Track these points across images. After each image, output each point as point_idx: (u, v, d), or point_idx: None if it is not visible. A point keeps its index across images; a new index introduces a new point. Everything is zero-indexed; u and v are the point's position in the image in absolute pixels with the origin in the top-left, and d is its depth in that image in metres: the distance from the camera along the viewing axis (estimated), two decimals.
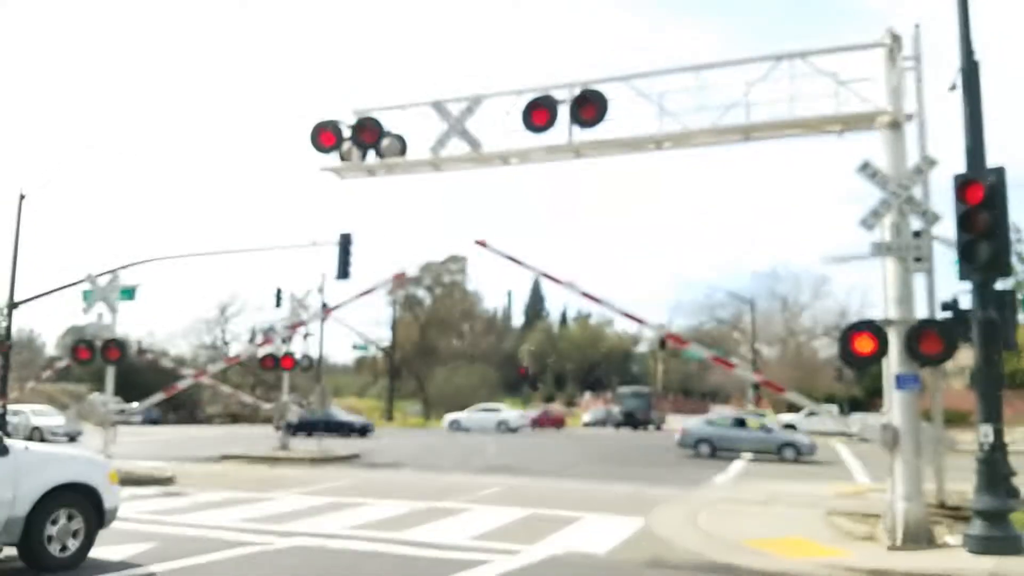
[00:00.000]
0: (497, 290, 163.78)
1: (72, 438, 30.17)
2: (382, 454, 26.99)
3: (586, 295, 12.45)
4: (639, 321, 12.46)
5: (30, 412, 34.07)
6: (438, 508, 13.40)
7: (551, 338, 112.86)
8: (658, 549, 10.09)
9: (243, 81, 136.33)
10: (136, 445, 29.73)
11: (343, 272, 30.06)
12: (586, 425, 58.93)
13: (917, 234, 10.47)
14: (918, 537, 9.85)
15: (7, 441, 8.13)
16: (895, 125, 10.58)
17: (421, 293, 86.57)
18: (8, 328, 29.45)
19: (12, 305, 29.28)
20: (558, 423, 56.46)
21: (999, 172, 9.69)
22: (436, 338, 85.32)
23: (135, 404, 18.74)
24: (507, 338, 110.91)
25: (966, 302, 10.70)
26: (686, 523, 12.15)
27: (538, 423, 54.94)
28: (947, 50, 11.28)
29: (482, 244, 12.91)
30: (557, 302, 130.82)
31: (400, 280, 17.02)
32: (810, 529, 11.57)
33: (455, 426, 48.15)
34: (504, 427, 46.45)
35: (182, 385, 21.64)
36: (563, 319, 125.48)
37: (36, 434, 31.22)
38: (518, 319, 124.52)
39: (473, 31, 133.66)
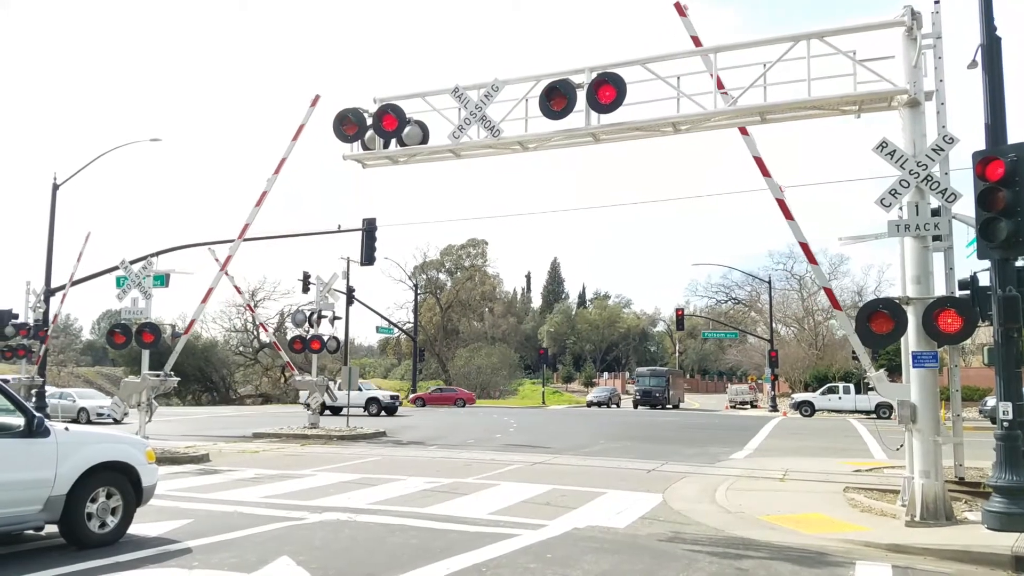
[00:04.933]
0: (516, 272, 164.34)
1: (117, 420, 30.61)
2: (407, 432, 27.38)
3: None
4: (767, 172, 11.26)
5: (76, 394, 35.22)
6: (462, 484, 13.69)
7: (569, 319, 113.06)
8: (676, 524, 10.28)
9: (268, 72, 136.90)
10: (172, 425, 30.46)
11: (368, 257, 30.40)
12: (589, 405, 58.86)
13: (936, 212, 10.49)
14: (937, 513, 9.92)
15: (48, 422, 8.37)
16: (914, 104, 10.55)
17: (442, 277, 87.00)
18: (45, 313, 30.11)
19: (49, 292, 29.96)
20: (451, 401, 53.54)
21: (1020, 148, 9.57)
22: (457, 320, 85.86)
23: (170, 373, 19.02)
24: (526, 319, 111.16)
25: (985, 280, 10.71)
26: (704, 499, 12.33)
27: (423, 401, 52.99)
28: (966, 27, 11.23)
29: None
30: (575, 283, 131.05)
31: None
32: (828, 505, 11.70)
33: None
34: None
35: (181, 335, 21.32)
36: (581, 300, 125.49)
37: (82, 415, 31.99)
38: (537, 301, 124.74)
39: (492, 17, 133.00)
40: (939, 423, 10.36)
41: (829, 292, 12.26)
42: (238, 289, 29.85)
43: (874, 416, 38.36)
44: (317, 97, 17.94)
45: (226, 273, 26.01)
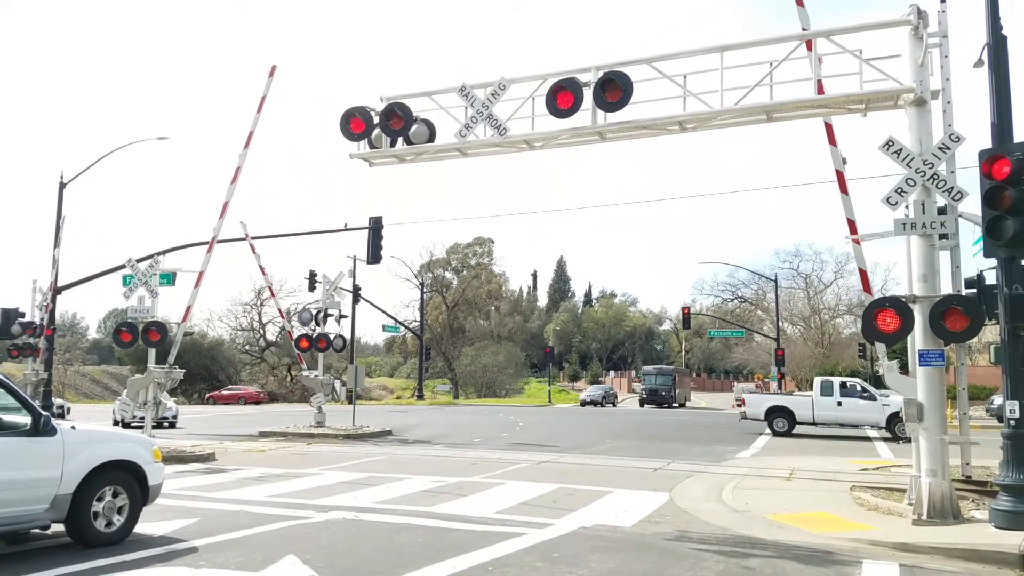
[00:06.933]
0: (522, 271, 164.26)
1: (172, 424, 30.10)
2: (413, 431, 27.43)
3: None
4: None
5: None
6: (468, 483, 13.70)
7: (575, 318, 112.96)
8: (683, 523, 10.28)
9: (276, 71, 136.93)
10: (178, 424, 30.51)
11: (374, 256, 30.41)
12: (583, 404, 58.60)
13: (942, 211, 10.47)
14: (944, 512, 9.93)
15: (54, 421, 8.35)
16: (920, 102, 10.53)
17: (448, 275, 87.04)
18: (52, 312, 30.21)
19: (56, 290, 30.07)
20: (235, 399, 58.19)
21: None
22: (463, 319, 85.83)
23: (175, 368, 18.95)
24: (532, 318, 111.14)
25: (992, 278, 10.68)
26: (711, 498, 12.33)
27: (214, 400, 57.29)
28: (973, 26, 11.21)
29: None
30: (581, 282, 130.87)
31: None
32: (834, 504, 11.69)
33: None
34: None
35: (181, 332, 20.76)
36: (587, 299, 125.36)
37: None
38: (543, 299, 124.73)
39: (498, 16, 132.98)
40: (946, 422, 10.36)
41: (863, 273, 12.33)
42: (262, 269, 29.69)
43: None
44: (274, 67, 19.01)
45: (253, 250, 25.97)
